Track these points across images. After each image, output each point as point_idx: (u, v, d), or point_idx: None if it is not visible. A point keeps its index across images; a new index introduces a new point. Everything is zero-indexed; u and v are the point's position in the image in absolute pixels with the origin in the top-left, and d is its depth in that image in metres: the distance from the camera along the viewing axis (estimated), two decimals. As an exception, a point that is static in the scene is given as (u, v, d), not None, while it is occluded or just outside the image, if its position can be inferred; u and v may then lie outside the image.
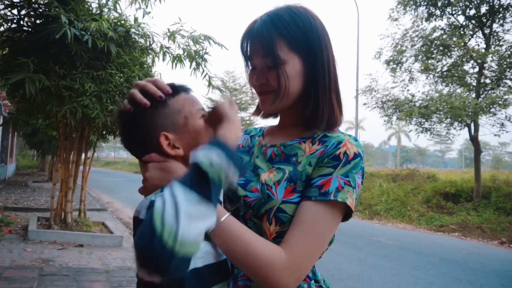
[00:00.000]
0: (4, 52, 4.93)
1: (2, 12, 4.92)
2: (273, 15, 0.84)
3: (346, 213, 0.81)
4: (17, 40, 4.86)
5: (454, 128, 10.67)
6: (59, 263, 4.28)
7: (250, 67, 0.90)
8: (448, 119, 10.03)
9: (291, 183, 0.80)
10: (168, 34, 5.59)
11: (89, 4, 5.25)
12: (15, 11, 4.82)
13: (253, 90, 0.93)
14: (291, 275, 0.72)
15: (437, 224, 9.24)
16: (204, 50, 5.64)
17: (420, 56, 10.61)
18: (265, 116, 1.01)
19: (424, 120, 10.70)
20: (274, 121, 1.01)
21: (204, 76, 5.74)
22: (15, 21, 4.85)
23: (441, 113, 9.92)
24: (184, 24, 5.61)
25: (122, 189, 16.13)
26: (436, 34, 10.33)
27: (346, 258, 5.60)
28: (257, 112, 1.01)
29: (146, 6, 5.54)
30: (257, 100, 0.98)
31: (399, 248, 6.67)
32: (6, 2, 4.77)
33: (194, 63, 5.65)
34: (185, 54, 5.63)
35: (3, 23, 4.89)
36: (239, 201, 0.85)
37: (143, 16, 5.59)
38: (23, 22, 4.89)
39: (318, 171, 0.79)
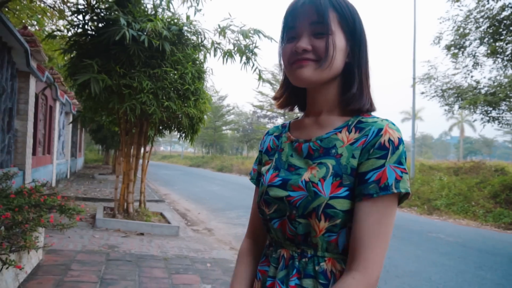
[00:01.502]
0: (72, 56, 5.37)
1: (70, 18, 5.36)
2: None
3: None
4: (82, 43, 5.28)
5: (527, 117, 9.69)
6: (123, 250, 4.62)
7: (286, 40, 0.86)
8: (520, 107, 9.12)
9: (337, 177, 0.78)
10: (219, 30, 5.71)
11: (144, 5, 5.53)
12: (80, 17, 5.22)
13: (282, 64, 0.88)
14: (373, 285, 0.73)
15: (507, 221, 8.49)
16: (254, 44, 5.68)
17: (487, 39, 9.72)
18: (283, 104, 0.97)
19: (491, 109, 9.84)
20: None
21: (254, 70, 5.79)
22: (80, 26, 5.25)
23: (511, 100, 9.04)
24: (234, 19, 5.70)
25: (177, 181, 16.90)
26: (505, 13, 9.38)
27: (402, 254, 5.37)
28: (280, 92, 0.97)
29: (197, 4, 5.71)
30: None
31: (461, 245, 6.24)
32: (73, 9, 5.18)
33: (244, 58, 5.72)
34: (236, 49, 5.72)
35: (71, 28, 5.33)
36: (278, 203, 0.84)
37: (195, 14, 5.77)
38: (87, 26, 5.28)
39: (368, 164, 0.77)
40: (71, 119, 14.34)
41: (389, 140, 0.76)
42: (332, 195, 0.77)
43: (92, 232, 5.40)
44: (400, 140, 0.77)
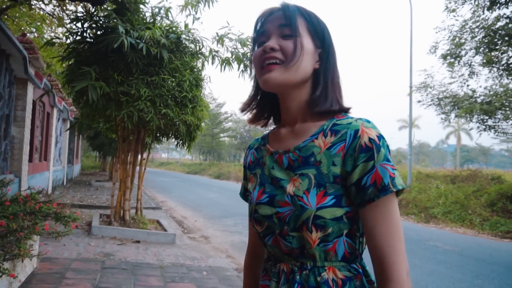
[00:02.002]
0: (70, 63, 5.39)
1: (69, 26, 5.38)
2: (293, 3, 0.88)
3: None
4: (81, 51, 5.29)
5: (523, 125, 9.76)
6: (119, 258, 4.58)
7: (257, 46, 0.90)
8: (516, 116, 9.19)
9: (321, 188, 0.78)
10: (217, 38, 5.75)
11: (143, 13, 5.56)
12: (79, 24, 5.25)
13: (253, 71, 0.91)
14: (407, 282, 0.75)
15: (503, 230, 8.50)
16: (251, 52, 5.71)
17: (482, 48, 9.83)
18: (254, 119, 0.97)
19: (487, 117, 9.90)
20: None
21: (252, 78, 5.82)
22: (79, 33, 5.28)
23: (507, 109, 9.12)
24: (232, 27, 5.74)
25: (174, 188, 16.83)
26: (500, 24, 9.51)
27: (399, 263, 5.35)
28: (249, 101, 0.96)
29: (196, 12, 5.76)
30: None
31: (458, 254, 6.24)
32: (72, 17, 5.21)
33: (242, 65, 5.75)
34: (233, 56, 5.76)
35: (70, 35, 5.35)
36: (268, 220, 0.84)
37: (193, 22, 5.83)
38: (86, 34, 5.30)
39: (359, 170, 0.76)
40: (68, 126, 14.30)
41: (370, 139, 0.76)
42: (318, 206, 0.77)
43: (88, 240, 5.36)
44: (380, 137, 0.77)
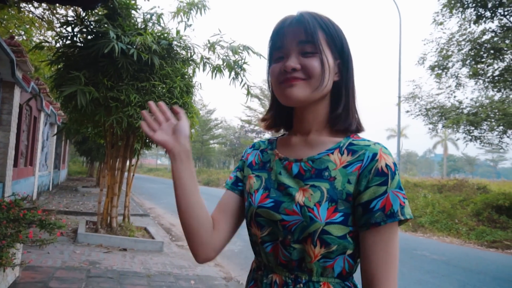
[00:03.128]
0: (59, 67, 5.32)
1: (58, 29, 5.32)
2: (310, 12, 0.84)
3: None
4: (70, 55, 5.23)
5: (508, 137, 9.95)
6: (105, 266, 4.49)
7: (274, 60, 0.86)
8: (501, 127, 9.38)
9: (333, 203, 0.78)
10: (208, 45, 5.75)
11: (135, 19, 5.54)
12: (69, 29, 5.20)
13: (271, 85, 0.87)
14: None
15: (489, 240, 8.62)
16: (243, 60, 5.74)
17: (468, 61, 10.05)
18: (270, 125, 0.96)
19: (473, 128, 10.09)
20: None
21: (243, 85, 5.83)
22: (69, 37, 5.22)
23: (493, 120, 9.31)
24: (223, 35, 5.75)
25: (163, 195, 16.64)
26: (486, 37, 9.76)
27: (388, 272, 5.37)
28: (269, 115, 0.95)
29: (188, 19, 5.76)
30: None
31: (445, 263, 6.29)
32: (62, 21, 5.15)
33: (233, 73, 5.76)
34: (225, 64, 5.76)
35: (59, 39, 5.29)
36: (272, 226, 0.82)
37: (185, 29, 5.81)
38: (76, 38, 5.25)
39: (370, 192, 0.76)
40: (55, 131, 14.08)
41: (386, 165, 0.77)
42: (328, 220, 0.77)
43: (73, 248, 5.24)
44: (395, 165, 0.78)
